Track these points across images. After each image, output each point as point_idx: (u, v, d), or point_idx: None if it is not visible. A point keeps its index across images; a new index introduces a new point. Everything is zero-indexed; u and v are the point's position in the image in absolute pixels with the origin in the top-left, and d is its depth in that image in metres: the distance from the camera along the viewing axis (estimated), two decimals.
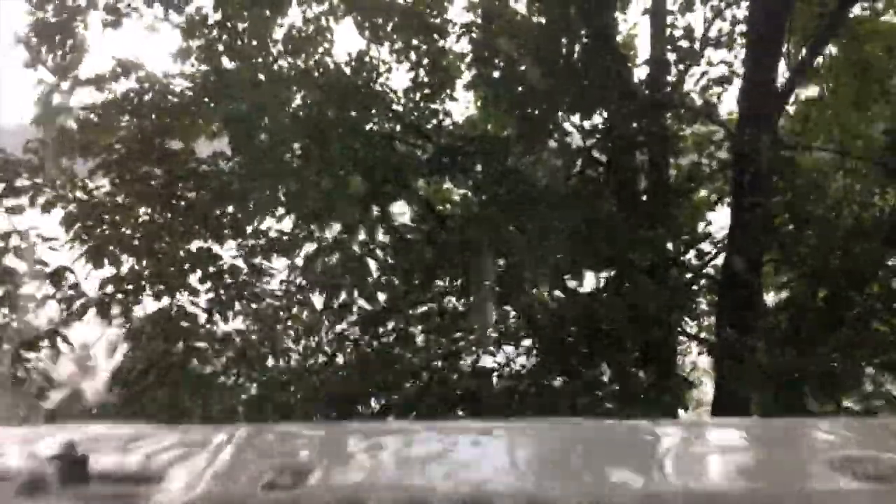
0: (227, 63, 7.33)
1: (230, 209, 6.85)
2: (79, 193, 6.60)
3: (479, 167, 6.69)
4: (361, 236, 6.86)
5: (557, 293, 6.55)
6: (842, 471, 0.92)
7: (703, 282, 7.27)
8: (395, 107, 7.42)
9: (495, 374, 6.15)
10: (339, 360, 6.72)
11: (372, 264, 6.74)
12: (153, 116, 6.95)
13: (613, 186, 6.94)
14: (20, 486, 0.87)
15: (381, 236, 6.93)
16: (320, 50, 7.63)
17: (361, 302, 6.61)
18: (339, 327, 6.75)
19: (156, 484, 0.88)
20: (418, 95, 7.45)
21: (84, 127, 7.00)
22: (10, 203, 6.09)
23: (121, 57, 7.07)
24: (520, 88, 6.53)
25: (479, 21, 7.16)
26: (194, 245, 6.83)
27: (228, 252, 6.87)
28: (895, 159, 6.08)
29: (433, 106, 7.42)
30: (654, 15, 7.43)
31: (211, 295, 6.60)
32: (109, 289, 6.36)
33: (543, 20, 7.01)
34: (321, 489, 0.88)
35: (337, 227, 6.96)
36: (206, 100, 7.03)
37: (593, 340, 5.75)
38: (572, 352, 5.94)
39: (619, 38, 7.50)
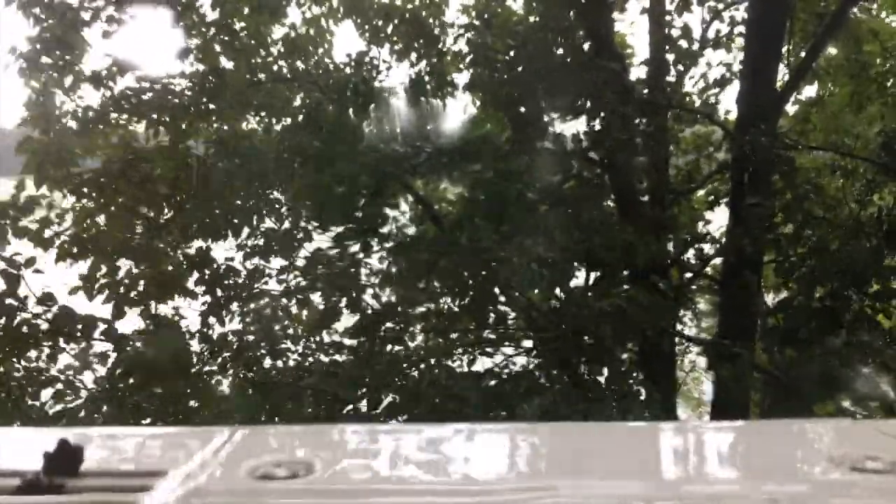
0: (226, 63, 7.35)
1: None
2: (69, 221, 6.61)
3: (477, 167, 6.69)
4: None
5: (556, 293, 6.55)
6: (841, 469, 0.92)
7: (702, 282, 7.28)
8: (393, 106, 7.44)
9: (492, 376, 6.15)
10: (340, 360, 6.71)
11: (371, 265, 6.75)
12: (153, 116, 6.97)
13: (611, 188, 6.96)
14: (17, 487, 0.87)
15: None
16: (320, 51, 7.66)
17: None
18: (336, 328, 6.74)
19: (153, 481, 0.88)
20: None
21: (81, 130, 7.02)
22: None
23: (118, 56, 7.09)
24: (515, 90, 6.54)
25: (475, 22, 7.17)
26: (193, 246, 6.85)
27: (227, 253, 6.88)
28: (892, 159, 6.10)
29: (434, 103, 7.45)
30: (652, 15, 7.44)
31: (208, 298, 6.61)
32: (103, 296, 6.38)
33: (540, 20, 7.02)
34: (320, 481, 0.89)
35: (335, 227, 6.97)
36: (205, 100, 7.05)
37: (588, 343, 5.74)
38: (569, 354, 5.94)
39: (616, 39, 7.51)
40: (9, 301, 5.74)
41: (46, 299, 5.87)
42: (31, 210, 6.34)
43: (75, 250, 6.52)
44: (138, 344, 6.12)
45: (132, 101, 6.98)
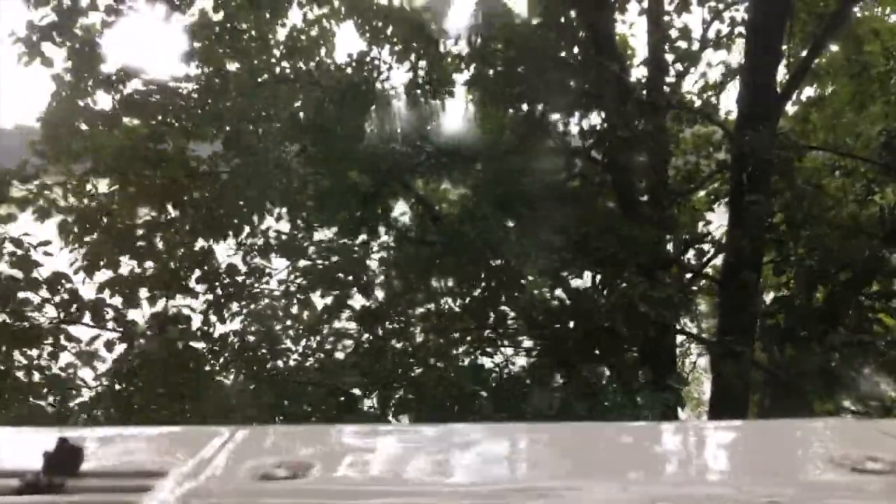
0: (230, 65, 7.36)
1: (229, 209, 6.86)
2: (73, 200, 6.60)
3: (477, 167, 6.69)
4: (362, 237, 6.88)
5: (556, 292, 6.55)
6: (842, 469, 0.91)
7: (702, 282, 7.27)
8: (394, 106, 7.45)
9: (493, 374, 6.15)
10: (339, 356, 6.70)
11: (372, 264, 6.76)
12: (159, 118, 6.99)
13: (612, 187, 6.95)
14: (17, 487, 0.87)
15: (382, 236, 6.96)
16: (322, 52, 7.66)
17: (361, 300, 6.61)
18: (337, 325, 6.74)
19: (153, 481, 0.88)
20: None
21: (91, 127, 7.03)
22: (2, 211, 6.05)
23: (126, 59, 7.11)
24: (516, 89, 6.54)
25: (477, 22, 7.16)
26: (196, 245, 6.85)
27: (227, 252, 6.88)
28: (893, 159, 6.10)
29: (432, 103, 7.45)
30: (651, 16, 7.44)
31: (209, 296, 6.62)
32: (106, 292, 6.38)
33: (542, 21, 7.02)
34: (320, 481, 0.89)
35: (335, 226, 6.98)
36: (210, 101, 7.07)
37: (590, 339, 5.74)
38: (570, 350, 5.93)
39: (616, 39, 7.51)
40: (21, 287, 5.76)
41: (56, 281, 5.88)
42: (36, 178, 6.35)
43: (70, 219, 6.49)
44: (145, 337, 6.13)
45: (139, 104, 6.99)
